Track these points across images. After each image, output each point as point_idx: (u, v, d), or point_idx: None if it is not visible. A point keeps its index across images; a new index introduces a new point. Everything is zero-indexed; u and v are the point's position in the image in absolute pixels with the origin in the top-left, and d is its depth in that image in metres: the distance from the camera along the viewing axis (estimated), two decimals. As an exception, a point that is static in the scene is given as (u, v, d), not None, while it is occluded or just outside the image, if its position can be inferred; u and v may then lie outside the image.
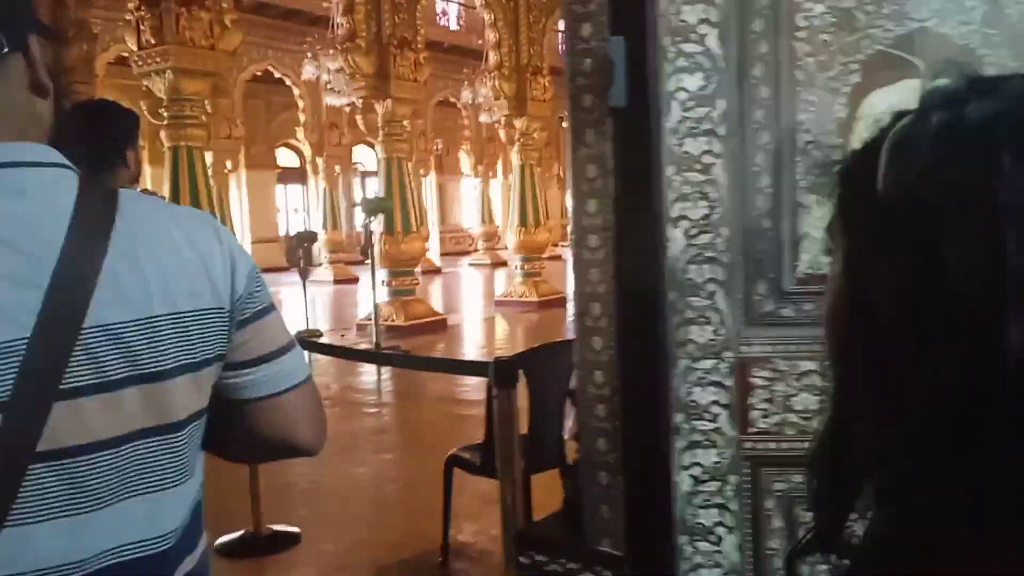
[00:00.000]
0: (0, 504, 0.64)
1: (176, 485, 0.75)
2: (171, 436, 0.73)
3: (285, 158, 19.12)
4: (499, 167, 19.82)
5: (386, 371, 6.82)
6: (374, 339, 7.30)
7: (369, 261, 7.81)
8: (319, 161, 15.63)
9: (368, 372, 6.89)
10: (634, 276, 1.61)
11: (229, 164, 12.06)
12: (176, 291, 0.73)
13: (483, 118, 15.18)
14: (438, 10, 18.52)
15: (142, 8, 6.71)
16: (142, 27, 6.76)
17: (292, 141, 17.82)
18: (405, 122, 8.77)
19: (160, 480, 0.73)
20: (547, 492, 2.67)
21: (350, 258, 16.26)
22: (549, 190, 17.00)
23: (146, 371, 0.70)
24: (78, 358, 0.66)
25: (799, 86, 1.49)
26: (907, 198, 0.40)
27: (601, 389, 1.68)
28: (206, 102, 7.17)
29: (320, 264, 14.90)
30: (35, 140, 0.74)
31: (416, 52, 8.67)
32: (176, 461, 0.75)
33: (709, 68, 1.49)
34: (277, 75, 14.72)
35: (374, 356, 6.06)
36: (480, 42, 15.46)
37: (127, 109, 2.31)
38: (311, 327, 7.77)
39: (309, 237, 8.23)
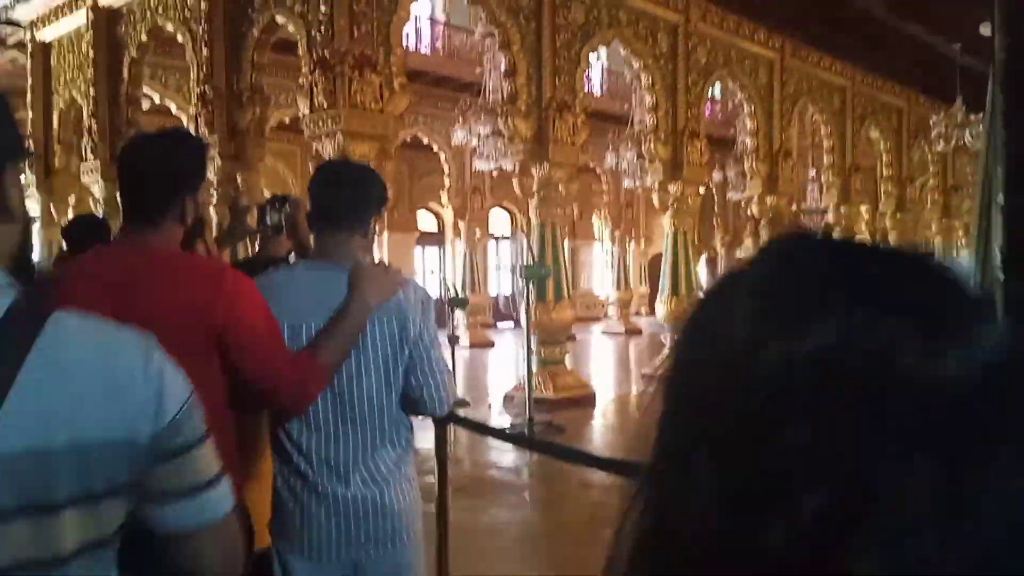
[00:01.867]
0: None
1: None
2: (54, 571, 0.72)
3: (424, 221, 19.45)
4: (637, 231, 19.43)
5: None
6: (527, 414, 6.94)
7: (521, 327, 7.53)
8: (461, 224, 15.73)
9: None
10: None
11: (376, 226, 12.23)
12: (81, 419, 0.73)
13: (627, 183, 14.88)
14: (580, 76, 18.55)
15: (316, 71, 6.82)
16: (315, 90, 6.86)
17: (432, 204, 18.13)
18: (561, 187, 8.54)
19: None
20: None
21: (485, 321, 16.14)
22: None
23: (37, 503, 0.70)
24: None
25: None
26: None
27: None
28: (371, 165, 7.16)
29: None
30: None
31: (575, 116, 8.48)
32: None
33: None
34: (425, 140, 14.99)
35: (532, 443, 5.63)
36: (626, 106, 15.32)
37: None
38: (458, 396, 7.51)
39: (461, 303, 8.03)
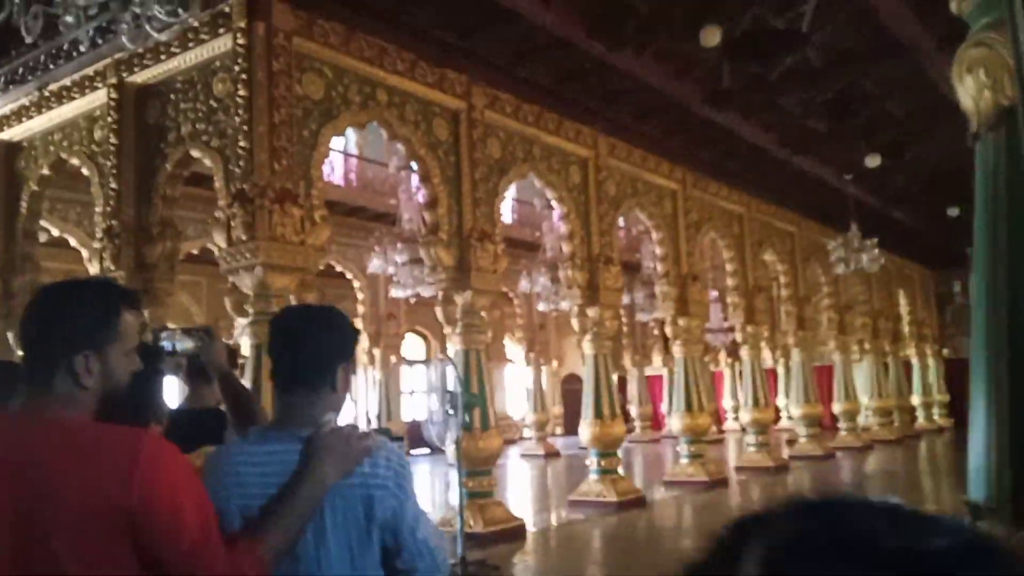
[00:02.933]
0: None
1: None
2: None
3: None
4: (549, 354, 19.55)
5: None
6: (460, 552, 6.61)
7: (443, 455, 7.27)
8: (375, 352, 15.45)
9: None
10: None
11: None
12: None
13: (541, 306, 15.10)
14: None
15: (234, 205, 6.69)
16: (232, 224, 6.71)
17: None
18: (483, 313, 8.53)
19: None
20: None
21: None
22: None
23: None
24: None
25: None
26: None
27: None
28: (291, 297, 6.97)
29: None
30: None
31: (495, 244, 8.59)
32: None
33: None
34: (338, 268, 14.88)
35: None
36: (536, 234, 15.75)
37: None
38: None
39: (386, 433, 7.72)
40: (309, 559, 1.58)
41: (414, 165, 8.89)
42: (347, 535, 1.59)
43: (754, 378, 13.42)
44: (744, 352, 13.66)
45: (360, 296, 14.87)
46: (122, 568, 1.36)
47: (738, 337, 13.79)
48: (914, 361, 20.97)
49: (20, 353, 1.52)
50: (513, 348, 21.60)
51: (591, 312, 9.98)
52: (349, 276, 15.21)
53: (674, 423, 11.84)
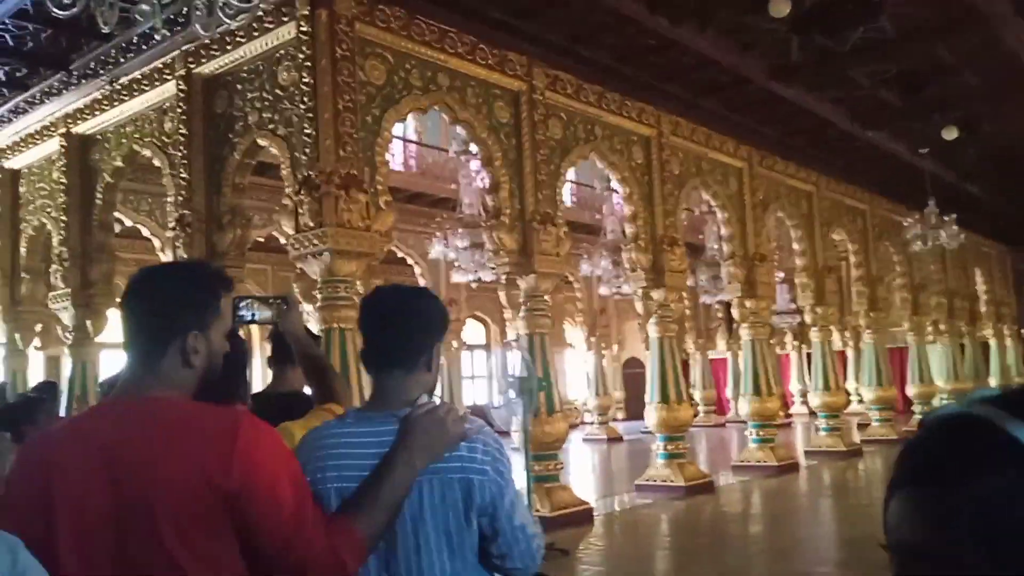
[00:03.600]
0: None
1: None
2: None
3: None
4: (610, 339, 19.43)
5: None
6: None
7: (515, 444, 7.28)
8: (437, 337, 15.58)
9: None
10: None
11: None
12: None
13: (603, 291, 14.99)
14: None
15: (301, 192, 6.75)
16: (300, 211, 6.77)
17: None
18: (547, 297, 8.47)
19: None
20: None
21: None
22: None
23: None
24: None
25: None
26: None
27: None
28: (358, 283, 7.03)
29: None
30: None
31: (557, 227, 8.50)
32: None
33: None
34: (399, 254, 15.01)
35: None
36: (596, 217, 15.59)
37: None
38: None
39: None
40: (407, 541, 1.55)
41: (473, 149, 8.87)
42: (445, 518, 1.56)
43: (824, 361, 13.08)
44: (814, 334, 13.30)
45: (421, 282, 14.98)
46: (225, 550, 1.35)
47: (807, 319, 13.44)
48: (992, 342, 20.18)
49: (123, 336, 1.51)
50: (573, 332, 21.52)
51: (656, 295, 9.82)
52: (410, 262, 15.32)
53: (742, 407, 11.63)
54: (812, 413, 15.27)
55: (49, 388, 5.80)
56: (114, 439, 1.37)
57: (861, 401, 17.60)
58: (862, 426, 16.24)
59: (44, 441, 1.51)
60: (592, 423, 18.68)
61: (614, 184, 10.53)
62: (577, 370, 22.39)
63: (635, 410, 20.07)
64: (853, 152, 13.20)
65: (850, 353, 19.70)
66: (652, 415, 9.91)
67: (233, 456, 1.34)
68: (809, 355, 16.90)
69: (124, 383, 1.48)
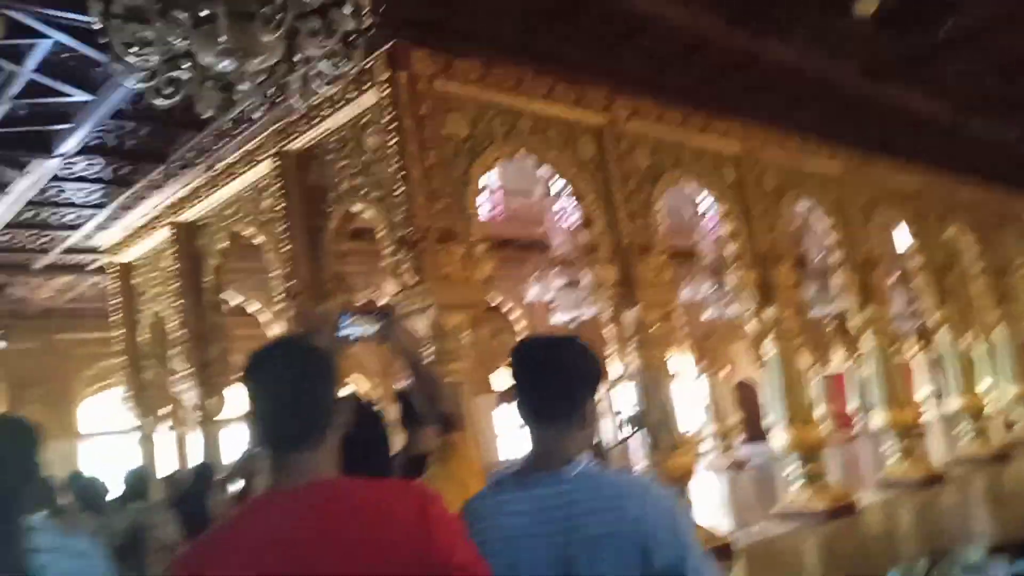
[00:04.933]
0: None
1: None
2: None
3: (500, 381, 19.17)
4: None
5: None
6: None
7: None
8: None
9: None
10: None
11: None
12: None
13: (708, 313, 14.57)
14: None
15: (400, 252, 6.79)
16: (400, 269, 6.81)
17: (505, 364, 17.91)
18: (655, 327, 8.22)
19: None
20: None
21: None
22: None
23: None
24: None
25: None
26: None
27: None
28: (463, 335, 6.98)
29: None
30: None
31: (656, 256, 8.29)
32: None
33: None
34: (496, 301, 15.03)
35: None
36: (692, 242, 15.21)
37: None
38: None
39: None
40: None
41: (556, 188, 8.75)
42: None
43: (957, 362, 12.25)
44: (940, 336, 12.49)
45: (516, 327, 14.91)
46: None
47: (929, 321, 12.66)
48: None
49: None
50: (678, 359, 20.97)
51: (768, 312, 9.43)
52: (504, 310, 15.30)
53: (875, 419, 10.98)
54: (943, 419, 14.32)
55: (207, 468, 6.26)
56: (290, 536, 1.26)
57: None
58: (1008, 426, 15.09)
59: (200, 554, 1.40)
60: (710, 451, 18.06)
61: (704, 206, 10.28)
62: (687, 398, 21.78)
63: (753, 432, 19.35)
64: (959, 144, 12.50)
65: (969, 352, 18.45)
66: (781, 437, 9.43)
67: (429, 537, 1.26)
68: (937, 359, 15.90)
69: (281, 466, 1.37)
